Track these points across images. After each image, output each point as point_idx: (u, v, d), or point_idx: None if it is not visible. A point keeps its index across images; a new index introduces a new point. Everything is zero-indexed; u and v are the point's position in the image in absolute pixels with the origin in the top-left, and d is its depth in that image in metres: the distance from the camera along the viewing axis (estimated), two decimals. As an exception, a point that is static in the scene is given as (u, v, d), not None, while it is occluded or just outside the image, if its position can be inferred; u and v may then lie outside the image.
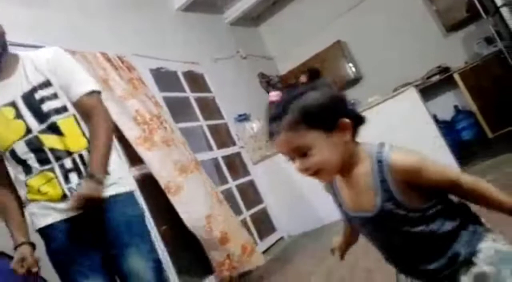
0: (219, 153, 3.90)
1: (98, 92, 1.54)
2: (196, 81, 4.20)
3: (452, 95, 4.85)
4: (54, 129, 1.46)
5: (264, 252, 3.54)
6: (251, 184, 4.11)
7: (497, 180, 2.51)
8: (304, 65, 5.70)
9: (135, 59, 3.30)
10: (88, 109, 1.49)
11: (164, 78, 3.71)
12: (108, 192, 1.45)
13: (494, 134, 4.29)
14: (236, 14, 5.45)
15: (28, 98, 1.45)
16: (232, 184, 3.80)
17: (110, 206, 1.46)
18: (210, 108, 4.18)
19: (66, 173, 1.46)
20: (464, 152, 4.05)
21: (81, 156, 1.48)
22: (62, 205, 1.43)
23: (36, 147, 1.44)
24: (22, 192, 1.51)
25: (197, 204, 2.90)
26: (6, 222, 1.49)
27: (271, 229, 3.96)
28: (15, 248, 1.43)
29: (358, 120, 0.92)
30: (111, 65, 2.99)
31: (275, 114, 0.90)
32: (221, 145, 4.02)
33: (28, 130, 1.44)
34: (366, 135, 0.95)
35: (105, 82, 2.85)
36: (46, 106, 1.45)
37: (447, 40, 4.93)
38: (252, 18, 5.97)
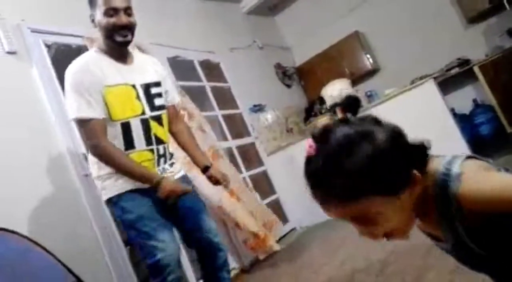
0: (233, 143, 3.92)
1: None
2: (212, 70, 4.21)
3: (471, 88, 4.76)
4: (159, 119, 1.80)
5: (276, 242, 3.56)
6: (265, 174, 4.13)
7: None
8: (320, 56, 5.67)
9: (152, 47, 3.32)
10: (178, 113, 2.01)
11: (181, 67, 3.73)
12: (181, 173, 1.90)
13: (513, 129, 4.20)
14: (253, 3, 5.40)
15: (147, 89, 1.77)
16: (245, 174, 3.82)
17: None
18: (225, 98, 4.19)
19: (159, 157, 1.80)
20: (482, 147, 3.98)
21: (167, 146, 1.85)
22: None
23: (147, 128, 1.75)
24: None
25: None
26: (131, 167, 1.68)
27: (284, 219, 3.98)
28: (156, 183, 1.64)
29: (423, 156, 0.73)
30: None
31: (317, 181, 0.70)
32: (235, 135, 4.04)
33: (143, 113, 1.74)
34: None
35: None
36: (157, 101, 1.80)
37: (468, 32, 4.82)
38: (269, 8, 5.91)
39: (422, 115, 3.34)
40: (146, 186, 1.69)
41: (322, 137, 0.70)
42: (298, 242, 3.55)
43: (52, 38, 2.69)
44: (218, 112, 3.92)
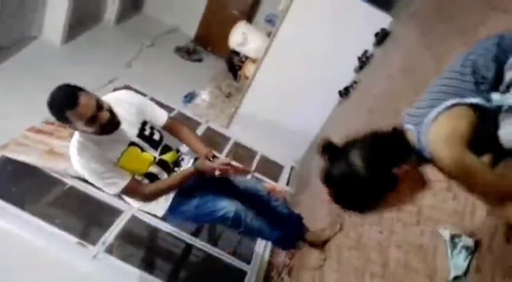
0: (192, 140, 3.90)
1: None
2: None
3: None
4: (165, 150, 1.96)
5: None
6: (237, 145, 4.17)
7: None
8: (205, 16, 5.59)
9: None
10: (173, 123, 2.06)
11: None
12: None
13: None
14: (114, 12, 5.22)
15: (142, 136, 1.87)
16: (220, 156, 3.85)
17: None
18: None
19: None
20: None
21: (180, 157, 2.06)
22: None
23: (164, 164, 1.94)
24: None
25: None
26: (172, 184, 1.89)
27: (279, 167, 4.09)
28: (195, 171, 1.83)
29: (401, 144, 0.88)
30: None
31: (346, 209, 0.92)
32: (188, 132, 4.02)
33: (154, 158, 1.89)
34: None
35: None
36: (155, 137, 1.93)
37: None
38: (132, 7, 5.72)
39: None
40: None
41: (327, 183, 0.91)
42: (301, 177, 3.68)
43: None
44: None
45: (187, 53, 5.46)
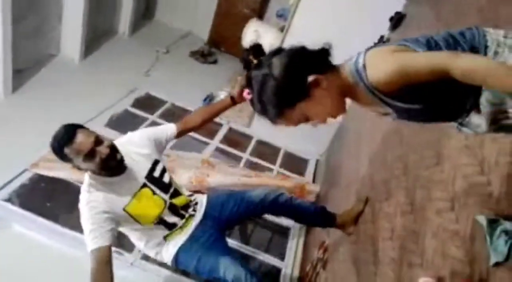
0: (214, 143, 3.93)
1: None
2: (149, 103, 4.17)
3: None
4: (175, 194, 1.98)
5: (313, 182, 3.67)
6: (261, 143, 4.17)
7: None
8: (217, 16, 5.61)
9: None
10: (180, 124, 2.00)
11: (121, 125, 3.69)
12: (204, 200, 2.17)
13: None
14: (127, 25, 5.30)
15: (151, 178, 1.87)
16: (245, 156, 3.87)
17: None
18: (178, 114, 4.18)
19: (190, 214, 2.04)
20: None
21: (191, 202, 2.06)
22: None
23: (174, 208, 1.95)
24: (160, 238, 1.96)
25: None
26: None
27: (303, 162, 4.07)
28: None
29: (324, 57, 0.93)
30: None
31: (260, 113, 0.96)
32: (210, 134, 4.04)
33: (165, 201, 1.90)
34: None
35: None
36: (165, 178, 1.94)
37: None
38: (143, 16, 5.80)
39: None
40: (188, 233, 1.97)
41: (249, 85, 0.96)
42: (327, 171, 3.66)
43: None
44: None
45: (202, 56, 5.50)
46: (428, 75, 0.80)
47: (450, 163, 1.43)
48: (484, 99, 0.85)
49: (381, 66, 0.84)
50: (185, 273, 2.67)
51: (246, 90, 0.97)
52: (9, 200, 2.66)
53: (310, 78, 0.89)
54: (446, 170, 1.42)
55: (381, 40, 3.44)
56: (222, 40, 5.75)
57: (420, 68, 0.80)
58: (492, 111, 0.86)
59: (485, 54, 0.85)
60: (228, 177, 3.16)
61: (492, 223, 1.01)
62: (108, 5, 5.08)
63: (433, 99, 0.88)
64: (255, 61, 0.94)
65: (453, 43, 0.87)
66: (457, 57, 0.79)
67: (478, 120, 0.90)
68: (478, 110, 0.89)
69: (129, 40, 5.46)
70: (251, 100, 0.96)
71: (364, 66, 0.86)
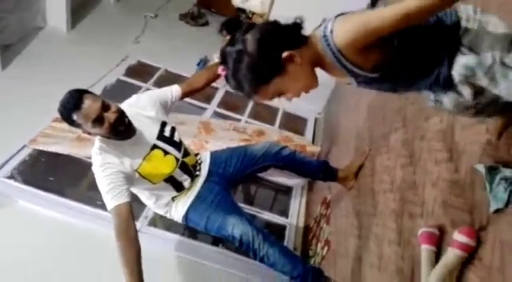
0: (211, 107, 3.89)
1: None
2: (141, 71, 4.10)
3: None
4: (186, 153, 2.05)
5: (313, 142, 3.68)
6: (259, 105, 4.11)
7: None
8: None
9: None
10: (185, 85, 2.06)
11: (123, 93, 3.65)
12: (208, 158, 2.22)
13: None
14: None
15: (162, 137, 1.91)
16: (244, 118, 3.84)
17: None
18: (178, 80, 4.10)
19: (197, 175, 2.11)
20: None
21: (198, 161, 2.14)
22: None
23: (185, 167, 2.00)
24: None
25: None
26: None
27: (302, 121, 4.06)
28: None
29: (296, 32, 0.94)
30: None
31: (235, 89, 0.98)
32: (206, 98, 4.00)
33: (177, 159, 1.95)
34: None
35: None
36: (176, 137, 1.98)
37: None
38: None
39: None
40: (195, 193, 2.02)
41: (223, 61, 0.97)
42: (327, 125, 3.65)
43: None
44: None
45: (192, 18, 5.34)
46: (388, 23, 0.81)
47: (448, 113, 1.41)
48: (457, 74, 0.87)
49: (346, 26, 0.86)
50: (192, 235, 2.73)
51: (221, 67, 0.97)
52: (11, 177, 2.68)
53: (284, 54, 0.90)
54: (445, 120, 1.41)
55: None
56: (212, 0, 5.57)
57: (379, 17, 0.82)
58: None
59: (457, 30, 0.88)
60: (227, 143, 3.16)
61: (491, 171, 1.01)
62: (90, -30, 4.88)
63: (395, 66, 0.90)
64: (228, 37, 0.96)
65: None
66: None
67: (446, 99, 0.95)
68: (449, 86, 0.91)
69: (116, 6, 5.29)
70: (226, 77, 0.97)
71: (331, 31, 0.88)
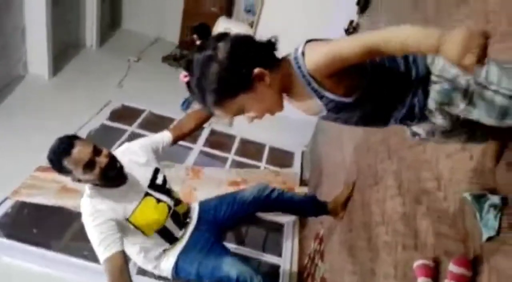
0: (197, 147, 3.87)
1: None
2: (126, 114, 4.10)
3: None
4: (178, 202, 2.01)
5: (301, 177, 3.67)
6: (245, 141, 4.13)
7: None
8: (184, 18, 5.54)
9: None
10: (173, 130, 2.07)
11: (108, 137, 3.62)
12: (196, 208, 2.19)
13: None
14: (94, 36, 5.20)
15: (154, 186, 1.87)
16: (231, 156, 3.83)
17: None
18: (158, 122, 4.12)
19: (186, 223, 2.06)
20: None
21: (188, 210, 2.10)
22: None
23: (176, 216, 1.96)
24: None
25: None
26: None
27: (289, 156, 4.06)
28: None
29: (270, 51, 0.90)
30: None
31: (196, 99, 0.91)
32: (192, 138, 3.99)
33: (170, 207, 1.91)
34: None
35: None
36: (167, 185, 1.95)
37: None
38: (108, 25, 5.69)
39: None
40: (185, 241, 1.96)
41: (187, 67, 0.89)
42: (315, 160, 3.65)
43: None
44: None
45: (175, 60, 5.43)
46: (358, 53, 0.79)
47: (431, 142, 1.43)
48: (433, 102, 0.87)
49: (316, 51, 0.84)
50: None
51: (183, 73, 0.89)
52: (-7, 231, 2.59)
53: (256, 70, 0.85)
54: (429, 149, 1.42)
55: (351, 25, 3.44)
56: (194, 42, 5.69)
57: (349, 46, 0.80)
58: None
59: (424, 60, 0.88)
60: (216, 189, 3.12)
61: (480, 199, 1.01)
62: (71, 18, 4.97)
63: (369, 90, 0.88)
64: (198, 42, 0.91)
65: None
66: (379, 30, 0.80)
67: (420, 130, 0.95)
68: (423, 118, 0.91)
69: (98, 51, 5.35)
70: (188, 84, 0.90)
71: (303, 53, 0.85)
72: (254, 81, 0.86)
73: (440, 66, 0.86)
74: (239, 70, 0.85)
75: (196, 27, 3.24)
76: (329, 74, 0.84)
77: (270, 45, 0.91)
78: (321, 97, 0.87)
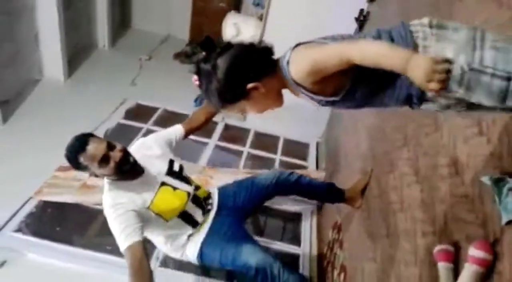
0: (212, 142, 3.91)
1: None
2: (141, 113, 4.15)
3: None
4: (197, 187, 2.08)
5: (317, 168, 3.68)
6: (259, 134, 4.15)
7: None
8: (194, 15, 5.56)
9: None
10: (185, 125, 2.15)
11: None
12: (216, 192, 2.24)
13: None
14: (106, 34, 5.27)
15: (172, 173, 1.94)
16: (246, 149, 3.86)
17: None
18: (172, 119, 4.16)
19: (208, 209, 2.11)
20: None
21: (211, 195, 2.15)
22: None
23: (197, 201, 2.02)
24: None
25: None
26: None
27: (304, 147, 4.07)
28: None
29: (267, 58, 1.02)
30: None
31: (206, 99, 1.07)
32: (207, 133, 4.02)
33: (189, 194, 1.96)
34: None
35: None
36: (185, 173, 2.02)
37: None
38: (120, 25, 5.74)
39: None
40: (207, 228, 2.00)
41: (197, 73, 1.03)
42: (329, 152, 3.66)
43: None
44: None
45: (186, 56, 5.45)
46: (336, 65, 0.87)
47: (448, 127, 1.42)
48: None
49: (299, 62, 0.93)
50: (206, 273, 2.68)
51: (195, 76, 1.04)
52: (19, 230, 2.66)
53: (249, 85, 0.97)
54: (446, 135, 1.42)
55: (361, 14, 3.41)
56: (204, 36, 5.70)
57: (327, 58, 0.88)
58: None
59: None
60: (232, 177, 3.15)
61: (498, 182, 1.01)
62: (83, 20, 5.03)
63: (356, 88, 0.95)
64: (203, 53, 1.04)
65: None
66: (356, 44, 0.88)
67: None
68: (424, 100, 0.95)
69: (110, 52, 5.41)
70: (199, 87, 1.04)
71: (288, 62, 0.95)
72: (249, 92, 0.99)
73: (434, 54, 0.85)
74: (233, 88, 0.98)
75: (202, 44, 3.30)
76: (313, 81, 0.93)
77: (267, 52, 1.02)
78: (311, 98, 0.98)
